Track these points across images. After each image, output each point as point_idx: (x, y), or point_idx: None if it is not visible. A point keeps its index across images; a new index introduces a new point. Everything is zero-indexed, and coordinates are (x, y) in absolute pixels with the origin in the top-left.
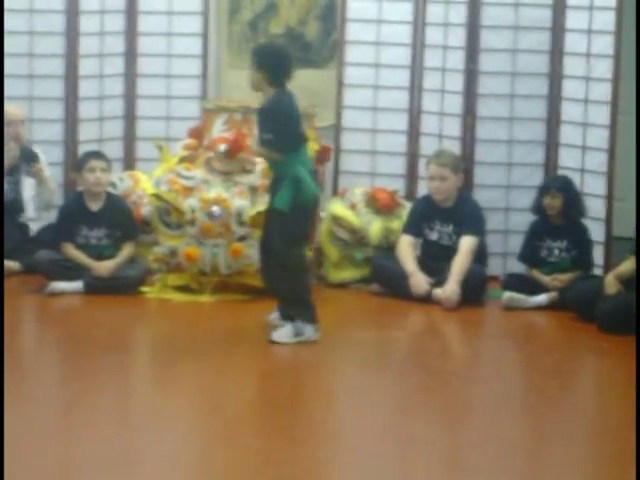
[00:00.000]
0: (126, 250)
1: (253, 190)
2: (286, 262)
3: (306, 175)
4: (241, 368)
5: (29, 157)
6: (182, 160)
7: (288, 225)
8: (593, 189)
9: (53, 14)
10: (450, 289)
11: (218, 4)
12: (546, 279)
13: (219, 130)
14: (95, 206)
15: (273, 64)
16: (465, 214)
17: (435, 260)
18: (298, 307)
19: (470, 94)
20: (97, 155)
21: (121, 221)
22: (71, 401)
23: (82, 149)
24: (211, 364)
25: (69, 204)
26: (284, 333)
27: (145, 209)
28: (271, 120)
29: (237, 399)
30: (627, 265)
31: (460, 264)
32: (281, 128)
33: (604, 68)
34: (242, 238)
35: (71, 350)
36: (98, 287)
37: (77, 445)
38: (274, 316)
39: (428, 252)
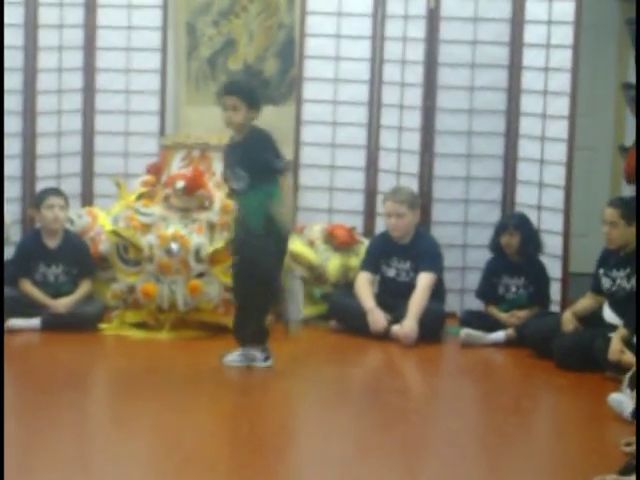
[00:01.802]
0: (83, 287)
1: (211, 227)
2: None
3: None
4: (199, 406)
5: None
6: (140, 197)
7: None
8: (550, 226)
9: (11, 50)
10: (408, 326)
11: (177, 41)
12: (503, 316)
13: (177, 167)
14: (52, 243)
15: (261, 104)
16: (422, 251)
17: (393, 297)
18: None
19: (428, 131)
20: (56, 192)
21: (78, 258)
22: (28, 439)
23: (40, 185)
24: (169, 402)
25: (26, 241)
26: (235, 357)
27: (103, 245)
28: (267, 149)
29: (195, 437)
30: (585, 302)
31: (418, 301)
32: (275, 156)
33: (561, 105)
34: (200, 275)
35: (28, 387)
36: (56, 324)
37: None
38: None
39: (386, 289)
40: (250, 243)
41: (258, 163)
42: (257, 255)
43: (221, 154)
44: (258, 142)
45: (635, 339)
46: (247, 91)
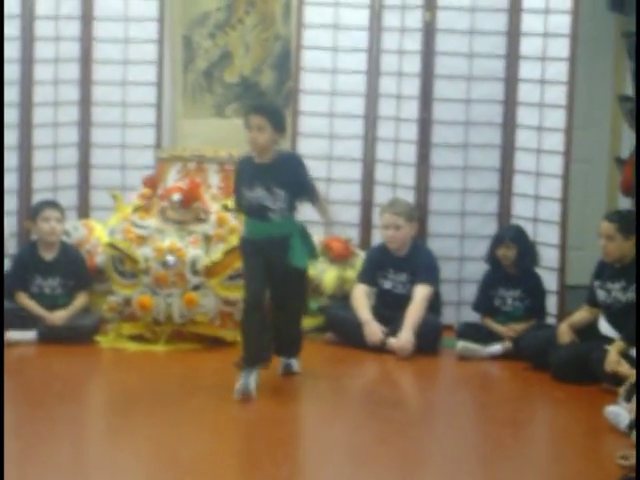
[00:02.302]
0: (79, 299)
1: (207, 239)
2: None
3: None
4: (195, 419)
5: None
6: (136, 209)
7: (305, 280)
8: (546, 238)
9: (8, 62)
10: (404, 338)
11: (173, 53)
12: (500, 328)
13: (173, 179)
14: (49, 255)
15: (286, 128)
16: (419, 263)
17: (389, 309)
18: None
19: (424, 143)
20: (52, 205)
21: (74, 270)
22: (24, 452)
23: (36, 198)
24: (165, 414)
25: (22, 253)
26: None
27: (99, 258)
28: (300, 173)
29: (191, 450)
30: (581, 314)
31: (414, 313)
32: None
33: (557, 118)
34: (196, 287)
35: (25, 400)
36: (52, 336)
37: None
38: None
39: (382, 301)
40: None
41: (303, 184)
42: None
43: (218, 167)
44: (297, 164)
45: (632, 351)
46: (274, 112)
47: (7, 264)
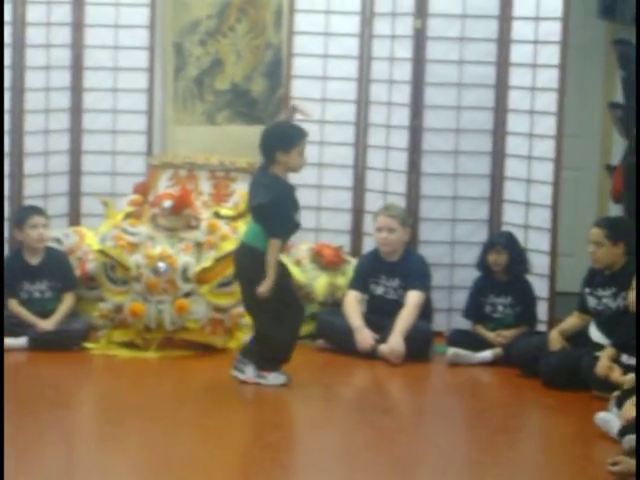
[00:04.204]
0: (66, 301)
1: (198, 246)
2: None
3: None
4: (187, 425)
5: None
6: (127, 216)
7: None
8: (537, 245)
9: None
10: (394, 341)
11: (164, 60)
12: (491, 335)
13: (164, 186)
14: (34, 260)
15: None
16: (411, 269)
17: (381, 315)
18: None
19: (415, 150)
20: (37, 211)
21: (60, 272)
22: (15, 459)
23: (27, 205)
24: (157, 422)
25: (9, 261)
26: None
27: (90, 265)
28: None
29: (183, 457)
30: (571, 321)
31: (405, 318)
32: None
33: (547, 125)
34: (187, 294)
35: (16, 407)
36: (42, 342)
37: None
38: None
39: (374, 307)
40: None
41: None
42: None
43: (209, 174)
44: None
45: (622, 358)
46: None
47: None
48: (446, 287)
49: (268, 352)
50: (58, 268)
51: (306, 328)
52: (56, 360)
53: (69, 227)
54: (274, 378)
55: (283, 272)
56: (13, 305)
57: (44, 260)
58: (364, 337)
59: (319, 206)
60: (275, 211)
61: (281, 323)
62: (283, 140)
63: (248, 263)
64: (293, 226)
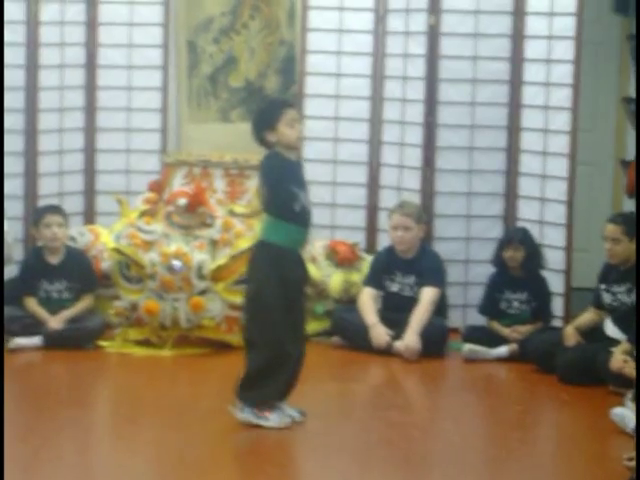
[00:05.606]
0: (83, 302)
1: (213, 244)
2: None
3: None
4: (201, 423)
5: None
6: (142, 214)
7: None
8: (552, 241)
9: (13, 68)
10: (409, 338)
11: (178, 58)
12: (506, 331)
13: (179, 184)
14: (54, 259)
15: None
16: (426, 265)
17: (396, 312)
18: None
19: (429, 147)
20: (53, 210)
21: (80, 273)
22: (31, 457)
23: (42, 203)
24: (172, 419)
25: (29, 259)
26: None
27: (105, 263)
28: None
29: (197, 454)
30: (587, 316)
31: (420, 314)
32: None
33: (562, 120)
34: (202, 292)
35: (31, 406)
36: (56, 340)
37: None
38: None
39: (389, 304)
40: None
41: None
42: None
43: (223, 171)
44: None
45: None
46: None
47: (15, 270)
48: (461, 283)
49: (260, 374)
50: (78, 269)
51: (321, 325)
52: (71, 358)
53: (84, 225)
54: (276, 417)
55: (298, 282)
56: (31, 304)
57: (64, 260)
58: (379, 334)
59: (334, 203)
60: (268, 183)
61: (278, 340)
62: (264, 118)
63: (262, 259)
64: (291, 196)
